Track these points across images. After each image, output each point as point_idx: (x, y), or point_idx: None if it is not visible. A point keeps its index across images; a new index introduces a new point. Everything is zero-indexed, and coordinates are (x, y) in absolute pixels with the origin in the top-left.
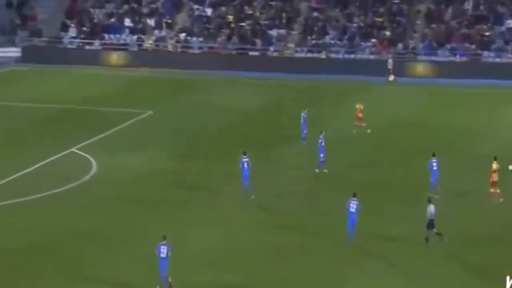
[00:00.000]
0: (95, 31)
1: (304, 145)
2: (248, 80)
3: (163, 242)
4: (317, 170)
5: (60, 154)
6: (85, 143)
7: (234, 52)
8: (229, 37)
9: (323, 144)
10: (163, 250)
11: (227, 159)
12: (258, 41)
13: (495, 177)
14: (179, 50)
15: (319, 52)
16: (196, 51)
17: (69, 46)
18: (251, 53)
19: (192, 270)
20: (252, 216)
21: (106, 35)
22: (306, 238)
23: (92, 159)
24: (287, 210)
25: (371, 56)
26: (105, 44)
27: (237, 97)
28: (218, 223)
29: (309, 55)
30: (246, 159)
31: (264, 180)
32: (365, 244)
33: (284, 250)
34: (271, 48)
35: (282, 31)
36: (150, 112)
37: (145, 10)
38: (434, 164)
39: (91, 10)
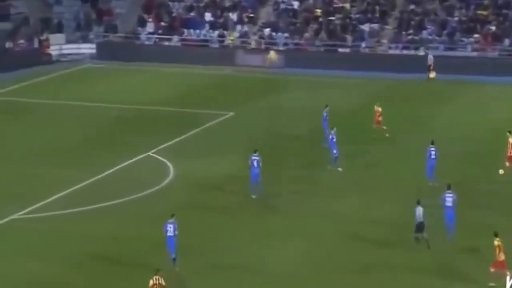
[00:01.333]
0: (174, 26)
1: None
2: (336, 79)
3: (171, 220)
4: (330, 167)
5: (136, 158)
6: (162, 146)
7: (322, 49)
8: (316, 33)
9: (334, 140)
10: (170, 229)
11: (314, 166)
12: (349, 37)
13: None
14: (262, 46)
15: (416, 49)
16: (281, 48)
17: (146, 42)
18: (340, 50)
19: (275, 281)
20: (334, 226)
21: (185, 31)
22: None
23: (169, 164)
24: (370, 219)
25: (474, 53)
26: (184, 40)
27: (325, 98)
28: (300, 233)
29: (405, 52)
30: (257, 157)
31: (349, 186)
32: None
33: (368, 262)
34: (363, 45)
35: (375, 26)
36: (232, 113)
37: (227, 4)
38: (432, 152)
39: (170, 3)
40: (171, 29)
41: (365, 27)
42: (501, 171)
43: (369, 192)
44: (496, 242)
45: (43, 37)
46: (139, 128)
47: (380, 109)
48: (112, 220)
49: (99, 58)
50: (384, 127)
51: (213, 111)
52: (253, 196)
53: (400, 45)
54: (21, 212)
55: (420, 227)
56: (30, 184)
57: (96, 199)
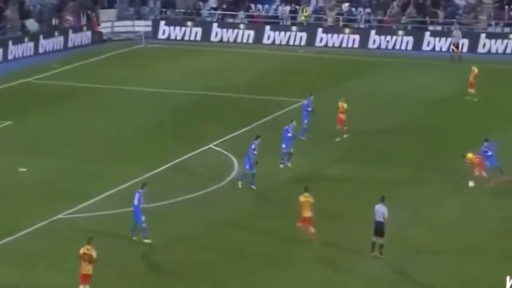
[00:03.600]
0: (239, 1)
1: (303, 140)
2: (426, 61)
3: (140, 190)
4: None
5: (196, 152)
6: (226, 137)
7: (409, 27)
8: (403, 8)
9: (289, 134)
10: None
11: (407, 166)
12: (440, 13)
13: None
14: (340, 24)
15: None
16: (362, 26)
17: (208, 19)
18: (431, 27)
19: None
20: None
21: (252, 6)
22: None
23: (233, 158)
24: None
25: None
26: (251, 16)
27: (414, 83)
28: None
29: (506, 30)
30: (256, 142)
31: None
32: None
33: None
34: (457, 21)
35: (472, 0)
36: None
37: None
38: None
39: None
40: (236, 4)
41: (460, 1)
42: (470, 183)
43: None
44: (303, 198)
45: (93, 13)
46: (199, 117)
47: (345, 105)
48: (166, 221)
49: (155, 37)
50: (345, 128)
51: (285, 98)
52: (240, 186)
53: (501, 23)
54: (68, 211)
55: (378, 230)
56: (79, 179)
57: (150, 198)
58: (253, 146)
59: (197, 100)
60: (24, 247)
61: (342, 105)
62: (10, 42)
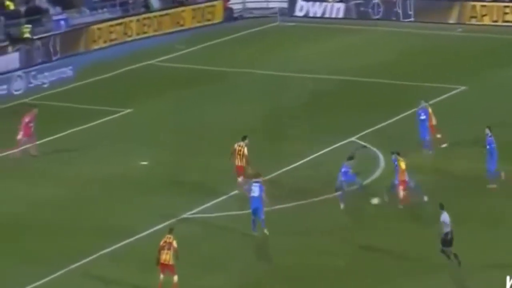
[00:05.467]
0: None
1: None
2: None
3: (257, 180)
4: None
5: (336, 145)
6: (370, 129)
7: None
8: None
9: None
10: (255, 189)
11: None
12: None
13: None
14: None
15: None
16: None
17: None
18: None
19: None
20: None
21: None
22: None
23: (379, 153)
24: None
25: None
26: None
27: None
28: None
29: None
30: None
31: None
32: None
33: None
34: None
35: None
36: (464, 87)
37: None
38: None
39: None
40: None
41: None
42: (373, 201)
43: None
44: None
45: None
46: (340, 106)
47: (429, 110)
48: (297, 224)
49: (291, 14)
50: (439, 136)
51: (437, 84)
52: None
53: None
54: (194, 210)
55: (447, 240)
56: (205, 175)
57: (281, 198)
58: (344, 170)
59: (336, 85)
60: (143, 249)
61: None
62: (134, 20)
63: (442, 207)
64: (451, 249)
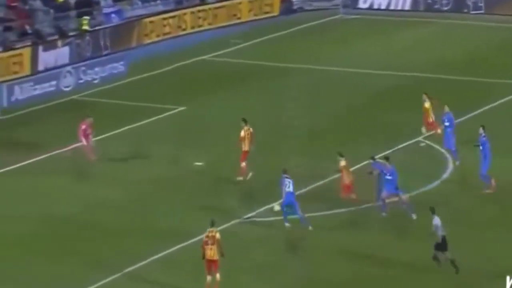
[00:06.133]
0: None
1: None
2: None
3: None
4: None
5: (401, 146)
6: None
7: None
8: None
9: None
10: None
11: None
12: None
13: None
14: None
15: None
16: None
17: None
18: None
19: None
20: None
21: None
22: None
23: (446, 154)
24: None
25: None
26: None
27: None
28: None
29: None
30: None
31: None
32: None
33: None
34: None
35: None
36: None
37: None
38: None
39: None
40: None
41: None
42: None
43: None
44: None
45: None
46: (406, 103)
47: (426, 104)
48: (355, 230)
49: (354, 6)
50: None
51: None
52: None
53: None
54: (249, 214)
55: (441, 244)
56: (261, 176)
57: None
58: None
59: (401, 82)
60: (199, 253)
61: (423, 104)
62: (188, 12)
63: (433, 211)
64: (448, 254)
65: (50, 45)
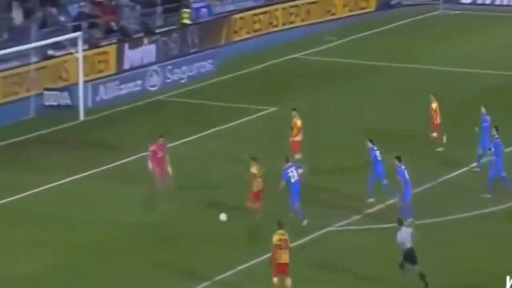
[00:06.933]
0: None
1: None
2: None
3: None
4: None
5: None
6: None
7: None
8: None
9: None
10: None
11: None
12: None
13: None
14: None
15: None
16: None
17: None
18: None
19: None
20: None
21: None
22: None
23: None
24: None
25: None
26: None
27: None
28: None
29: None
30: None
31: None
32: None
33: None
34: None
35: None
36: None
37: None
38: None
39: None
40: None
41: None
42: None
43: None
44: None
45: None
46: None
47: (433, 105)
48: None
49: (456, 1)
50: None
51: None
52: None
53: None
54: (341, 223)
55: (409, 256)
56: (361, 182)
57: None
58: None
59: (505, 82)
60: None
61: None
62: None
63: (400, 223)
64: (417, 267)
65: (136, 43)
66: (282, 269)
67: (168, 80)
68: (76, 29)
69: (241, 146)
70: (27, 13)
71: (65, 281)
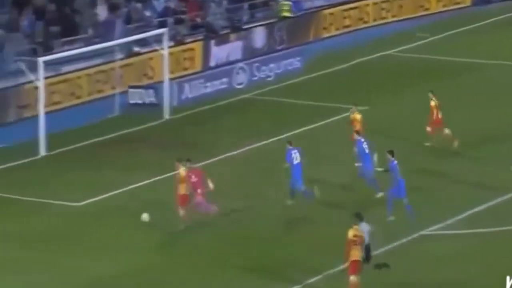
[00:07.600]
0: None
1: None
2: None
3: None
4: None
5: None
6: None
7: None
8: None
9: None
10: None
11: None
12: None
13: None
14: None
15: None
16: None
17: None
18: None
19: None
20: None
21: None
22: None
23: None
24: None
25: None
26: None
27: None
28: None
29: None
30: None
31: None
32: None
33: None
34: None
35: None
36: None
37: None
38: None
39: None
40: None
41: None
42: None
43: None
44: None
45: None
46: None
47: (433, 103)
48: None
49: None
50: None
51: None
52: None
53: None
54: (434, 227)
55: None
56: (450, 185)
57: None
58: None
59: None
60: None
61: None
62: (371, 3)
63: (361, 219)
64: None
65: (223, 39)
66: (358, 267)
67: (255, 78)
68: (161, 25)
69: (328, 147)
70: (112, 9)
71: (151, 282)
